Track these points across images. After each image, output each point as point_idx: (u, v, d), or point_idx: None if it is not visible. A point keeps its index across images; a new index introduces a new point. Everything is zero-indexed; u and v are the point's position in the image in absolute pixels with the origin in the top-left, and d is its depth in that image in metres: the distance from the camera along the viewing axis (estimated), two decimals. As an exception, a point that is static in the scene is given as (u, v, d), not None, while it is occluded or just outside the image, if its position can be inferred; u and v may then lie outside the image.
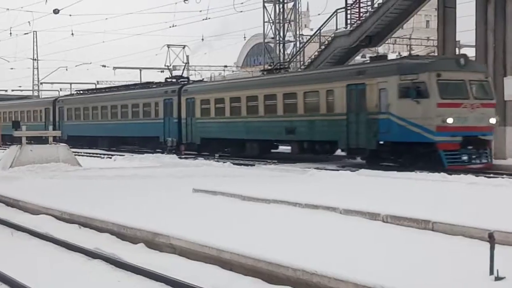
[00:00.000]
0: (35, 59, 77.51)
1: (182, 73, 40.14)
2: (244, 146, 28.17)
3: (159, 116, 33.71)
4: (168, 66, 39.37)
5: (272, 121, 26.31)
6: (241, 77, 37.17)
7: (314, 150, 25.04)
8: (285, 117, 25.56)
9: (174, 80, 37.03)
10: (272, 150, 28.65)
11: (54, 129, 42.11)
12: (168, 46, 39.69)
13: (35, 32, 71.97)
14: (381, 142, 21.27)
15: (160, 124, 33.39)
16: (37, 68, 78.56)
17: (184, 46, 40.75)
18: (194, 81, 38.38)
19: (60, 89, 78.52)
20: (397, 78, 20.49)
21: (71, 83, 76.43)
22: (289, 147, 27.44)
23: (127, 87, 41.99)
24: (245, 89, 28.60)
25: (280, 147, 29.37)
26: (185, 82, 35.21)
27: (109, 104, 38.91)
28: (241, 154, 27.65)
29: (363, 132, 21.72)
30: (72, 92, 54.50)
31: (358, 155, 23.25)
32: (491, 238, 6.58)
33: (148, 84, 39.06)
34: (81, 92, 47.42)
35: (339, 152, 26.43)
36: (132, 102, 36.48)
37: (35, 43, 76.36)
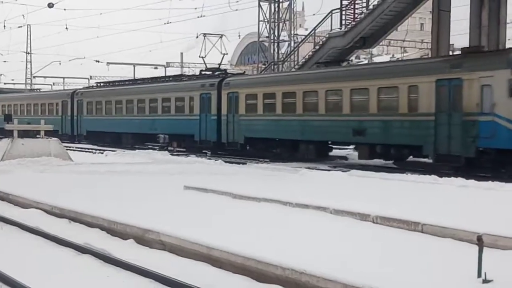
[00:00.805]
0: (29, 53, 77.30)
1: (219, 65, 35.82)
2: (297, 148, 25.44)
3: (194, 112, 30.62)
4: (203, 57, 36.20)
5: (335, 120, 23.33)
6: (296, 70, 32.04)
7: (389, 155, 22.20)
8: (353, 116, 22.56)
9: (209, 72, 33.78)
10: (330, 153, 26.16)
11: (72, 124, 41.63)
12: (204, 35, 37.17)
13: (29, 26, 71.86)
14: (481, 149, 18.45)
15: (195, 121, 30.40)
16: (30, 62, 78.41)
17: (221, 36, 37.83)
18: (235, 74, 34.62)
19: (53, 83, 78.31)
20: (507, 72, 17.70)
21: (64, 77, 76.25)
22: (350, 150, 25.89)
23: (154, 79, 38.45)
24: (302, 83, 25.19)
25: (337, 150, 27.06)
26: (224, 75, 31.53)
27: (136, 98, 35.71)
28: (294, 157, 24.96)
29: (457, 137, 18.91)
30: (91, 85, 50.85)
31: (449, 163, 19.67)
32: (479, 241, 6.62)
33: (179, 77, 36.33)
34: (103, 84, 43.78)
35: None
36: (162, 96, 33.19)
37: (28, 37, 76.17)
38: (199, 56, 36.69)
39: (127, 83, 40.62)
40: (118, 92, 38.02)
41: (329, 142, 25.50)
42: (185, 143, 31.66)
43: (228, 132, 28.60)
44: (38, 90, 54.15)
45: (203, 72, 34.53)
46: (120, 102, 37.09)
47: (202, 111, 30.05)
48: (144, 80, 39.31)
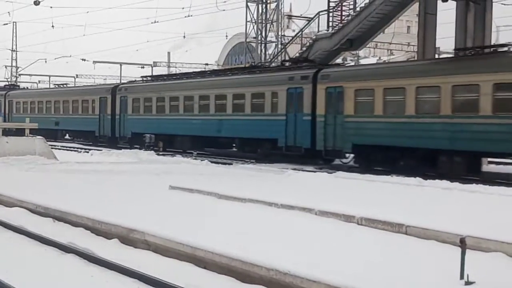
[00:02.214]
0: (14, 50, 76.71)
1: (308, 55, 29.41)
2: (435, 160, 19.58)
3: (278, 111, 25.21)
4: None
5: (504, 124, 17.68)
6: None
7: None
8: None
9: (288, 64, 28.45)
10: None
11: (112, 124, 35.47)
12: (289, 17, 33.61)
13: (14, 23, 71.33)
14: None
15: (280, 123, 24.83)
16: (16, 60, 77.79)
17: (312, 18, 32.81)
18: (334, 65, 27.96)
19: (39, 81, 77.85)
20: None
21: (50, 76, 75.82)
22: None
23: (222, 72, 32.79)
24: (451, 74, 19.15)
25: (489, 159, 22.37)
26: (316, 66, 25.44)
27: (197, 94, 29.96)
28: (432, 171, 19.10)
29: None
30: (136, 79, 44.44)
31: None
32: (462, 243, 6.68)
33: (256, 68, 30.17)
34: (150, 78, 37.56)
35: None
36: (234, 92, 27.68)
37: (14, 34, 75.61)
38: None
39: (183, 77, 34.30)
40: (174, 86, 32.17)
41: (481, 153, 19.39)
42: (262, 149, 26.27)
43: (326, 137, 23.00)
44: (65, 86, 48.15)
45: (285, 63, 28.95)
46: (176, 99, 31.30)
47: (290, 110, 24.55)
48: (206, 73, 34.20)
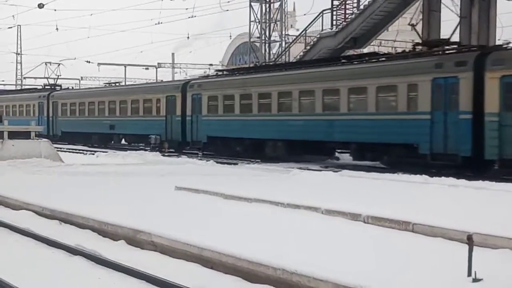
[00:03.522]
0: (19, 53, 76.98)
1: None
2: None
3: (418, 108, 20.03)
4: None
5: None
6: None
7: None
8: None
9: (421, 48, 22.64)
10: None
11: (183, 127, 30.38)
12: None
13: (19, 26, 71.57)
14: None
15: (422, 123, 19.70)
16: (21, 63, 78.06)
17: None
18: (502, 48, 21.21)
19: (44, 84, 78.02)
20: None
21: (55, 78, 75.88)
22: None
23: (323, 62, 26.22)
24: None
25: None
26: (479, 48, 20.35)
27: (296, 89, 24.47)
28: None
29: None
30: (206, 72, 40.80)
31: None
32: (469, 240, 6.65)
33: (376, 56, 24.40)
34: (228, 72, 32.97)
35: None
36: (350, 85, 22.34)
37: (19, 37, 75.85)
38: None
39: (277, 68, 29.00)
40: (265, 80, 26.52)
41: None
42: (392, 156, 21.16)
43: (503, 143, 17.73)
44: (118, 84, 43.06)
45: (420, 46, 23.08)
46: (268, 96, 25.84)
47: (437, 107, 19.35)
48: (308, 63, 27.47)
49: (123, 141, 37.44)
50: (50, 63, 58.62)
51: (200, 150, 29.15)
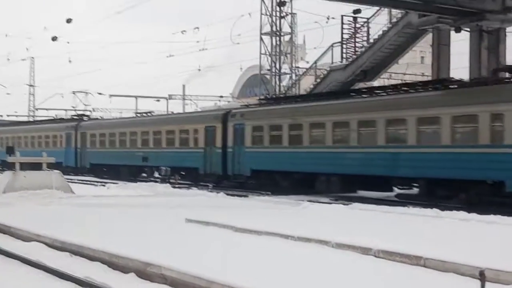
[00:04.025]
0: (32, 85, 77.88)
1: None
2: None
3: (504, 140, 17.94)
4: None
5: None
6: None
7: None
8: None
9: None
10: None
11: (224, 159, 28.38)
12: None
13: (32, 58, 72.51)
14: None
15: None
16: (33, 94, 78.91)
17: None
18: None
19: (56, 115, 78.74)
20: None
21: (66, 110, 76.67)
22: None
23: (388, 88, 23.88)
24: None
25: None
26: None
27: (355, 118, 22.52)
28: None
29: None
30: (246, 103, 35.30)
31: None
32: (482, 276, 6.61)
33: (449, 83, 21.34)
34: (273, 101, 29.89)
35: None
36: (419, 115, 20.25)
37: (32, 70, 76.82)
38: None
39: (330, 97, 26.10)
40: (317, 109, 24.51)
41: None
42: (471, 194, 18.93)
43: None
44: (150, 114, 40.89)
45: None
46: (321, 126, 23.89)
47: None
48: (368, 90, 24.60)
49: (156, 174, 35.19)
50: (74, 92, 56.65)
51: (242, 184, 27.37)
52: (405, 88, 22.91)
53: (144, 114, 40.18)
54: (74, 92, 50.89)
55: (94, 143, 39.74)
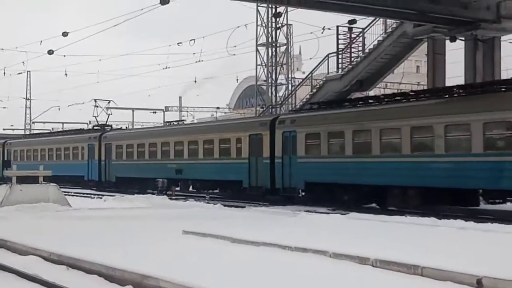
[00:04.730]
0: (28, 99, 77.88)
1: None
2: None
3: None
4: None
5: None
6: None
7: None
8: None
9: None
10: None
11: (272, 169, 25.46)
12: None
13: (28, 72, 72.48)
14: None
15: None
16: (30, 108, 78.88)
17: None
18: None
19: (52, 129, 78.73)
20: None
21: (63, 123, 76.58)
22: None
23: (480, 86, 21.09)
24: None
25: None
26: None
27: (440, 123, 19.45)
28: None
29: None
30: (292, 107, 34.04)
31: None
32: (479, 284, 6.61)
33: None
34: (324, 106, 26.46)
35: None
36: None
37: (28, 83, 76.83)
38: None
39: (403, 96, 22.93)
40: (389, 113, 21.67)
41: None
42: None
43: None
44: (181, 123, 37.27)
45: None
46: (395, 132, 21.07)
47: None
48: (449, 89, 21.27)
49: (191, 188, 32.59)
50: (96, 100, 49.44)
51: (292, 199, 24.63)
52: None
53: (174, 123, 37.05)
54: (95, 100, 46.95)
55: (121, 155, 36.48)
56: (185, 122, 37.90)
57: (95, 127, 44.57)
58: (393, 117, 21.16)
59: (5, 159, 48.85)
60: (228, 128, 29.71)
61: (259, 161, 26.17)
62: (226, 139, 28.27)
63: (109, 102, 49.44)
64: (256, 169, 26.31)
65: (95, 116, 46.94)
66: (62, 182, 37.82)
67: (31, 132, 72.25)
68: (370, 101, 24.11)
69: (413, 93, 23.10)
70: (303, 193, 24.71)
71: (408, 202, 20.56)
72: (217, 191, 30.06)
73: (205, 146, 29.46)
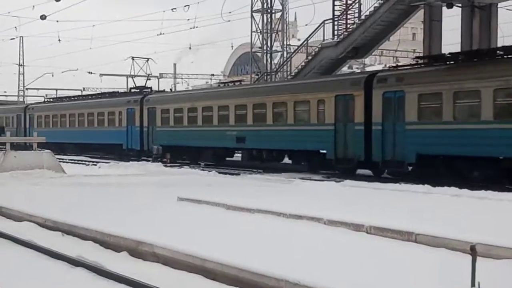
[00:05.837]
0: (21, 65, 77.25)
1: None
2: None
3: None
4: None
5: None
6: None
7: None
8: None
9: None
10: None
11: (367, 140, 21.26)
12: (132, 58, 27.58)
13: (21, 38, 71.80)
14: None
15: None
16: (23, 74, 78.32)
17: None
18: None
19: (46, 95, 78.26)
20: None
21: (57, 89, 76.13)
22: None
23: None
24: None
25: None
26: None
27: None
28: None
29: None
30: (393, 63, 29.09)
31: None
32: (473, 251, 6.63)
33: None
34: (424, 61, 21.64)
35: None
36: None
37: (21, 49, 76.12)
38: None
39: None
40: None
41: None
42: None
43: None
44: (239, 83, 32.62)
45: None
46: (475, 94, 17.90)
47: None
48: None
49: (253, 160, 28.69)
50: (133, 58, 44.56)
51: (399, 174, 20.40)
52: None
53: (231, 84, 32.55)
54: (133, 58, 42.06)
55: (167, 120, 32.00)
56: (243, 83, 33.17)
57: (132, 90, 40.25)
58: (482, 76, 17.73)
59: (27, 126, 45.97)
60: (307, 88, 24.56)
61: (349, 128, 22.08)
62: (303, 101, 24.05)
63: (147, 60, 45.02)
64: (345, 138, 22.28)
65: (131, 75, 41.73)
66: (93, 151, 37.35)
67: (24, 99, 71.86)
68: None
69: None
70: (412, 168, 20.24)
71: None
72: (289, 162, 26.27)
73: (275, 110, 25.34)
